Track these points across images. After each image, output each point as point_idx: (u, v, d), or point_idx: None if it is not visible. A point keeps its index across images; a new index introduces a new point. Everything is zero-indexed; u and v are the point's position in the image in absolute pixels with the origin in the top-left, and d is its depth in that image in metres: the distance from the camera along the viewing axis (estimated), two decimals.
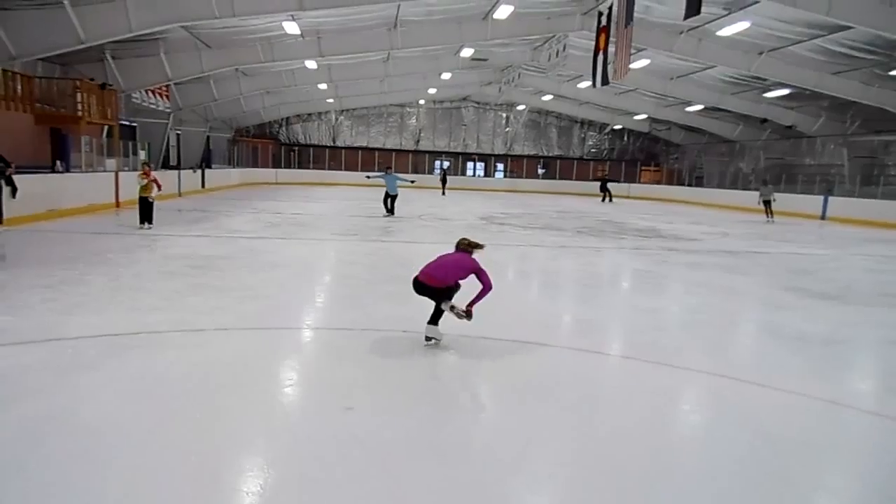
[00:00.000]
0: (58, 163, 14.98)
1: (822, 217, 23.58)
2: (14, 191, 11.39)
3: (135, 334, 5.33)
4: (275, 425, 3.79)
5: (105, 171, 16.81)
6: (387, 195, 17.79)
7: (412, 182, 19.92)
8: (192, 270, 8.37)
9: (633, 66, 20.68)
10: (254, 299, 7.02)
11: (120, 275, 8.03)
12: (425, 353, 5.20)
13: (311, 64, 23.48)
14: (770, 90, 24.90)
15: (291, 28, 17.96)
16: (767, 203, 21.29)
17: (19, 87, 15.41)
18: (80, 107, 16.51)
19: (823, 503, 3.27)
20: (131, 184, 17.20)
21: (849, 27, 16.32)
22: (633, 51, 18.01)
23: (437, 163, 41.01)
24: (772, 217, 21.12)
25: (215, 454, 3.32)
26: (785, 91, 24.27)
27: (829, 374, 5.26)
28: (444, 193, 30.67)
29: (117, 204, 16.38)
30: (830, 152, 27.28)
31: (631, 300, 8.33)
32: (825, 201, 23.96)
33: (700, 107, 30.10)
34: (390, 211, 17.72)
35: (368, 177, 20.64)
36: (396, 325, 5.92)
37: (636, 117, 36.66)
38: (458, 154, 41.44)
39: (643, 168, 42.01)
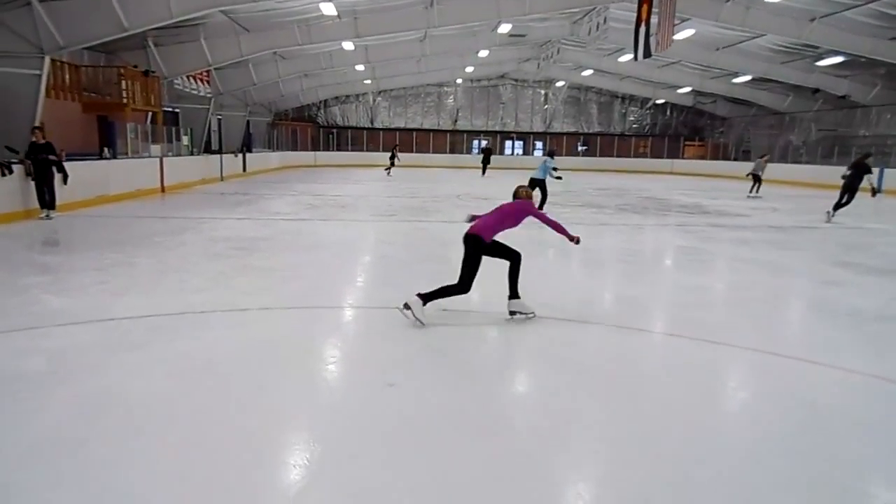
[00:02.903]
0: (105, 150, 15.38)
1: (878, 190, 22.63)
2: (65, 177, 11.77)
3: (182, 314, 5.47)
4: (319, 401, 3.85)
5: (150, 156, 17.20)
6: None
7: (559, 178, 15.61)
8: (236, 252, 8.53)
9: (677, 37, 19.97)
10: (296, 279, 7.14)
11: (167, 257, 8.24)
12: (465, 330, 5.19)
13: (348, 45, 23.45)
14: (822, 58, 23.79)
15: (328, 9, 17.93)
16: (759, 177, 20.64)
17: (67, 76, 15.89)
18: (124, 94, 16.93)
19: (876, 483, 3.14)
20: (175, 171, 17.65)
21: None
22: (676, 21, 17.44)
23: (476, 142, 40.75)
24: (757, 193, 20.41)
25: (262, 429, 3.38)
26: (838, 59, 23.16)
27: (882, 351, 5.05)
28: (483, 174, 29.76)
29: (162, 189, 16.76)
30: (887, 122, 26.07)
31: (675, 277, 8.16)
32: (881, 173, 22.93)
33: (747, 78, 29.00)
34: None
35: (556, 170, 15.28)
36: (435, 303, 5.92)
37: (679, 91, 35.64)
38: (496, 133, 41.04)
39: (687, 143, 40.97)
